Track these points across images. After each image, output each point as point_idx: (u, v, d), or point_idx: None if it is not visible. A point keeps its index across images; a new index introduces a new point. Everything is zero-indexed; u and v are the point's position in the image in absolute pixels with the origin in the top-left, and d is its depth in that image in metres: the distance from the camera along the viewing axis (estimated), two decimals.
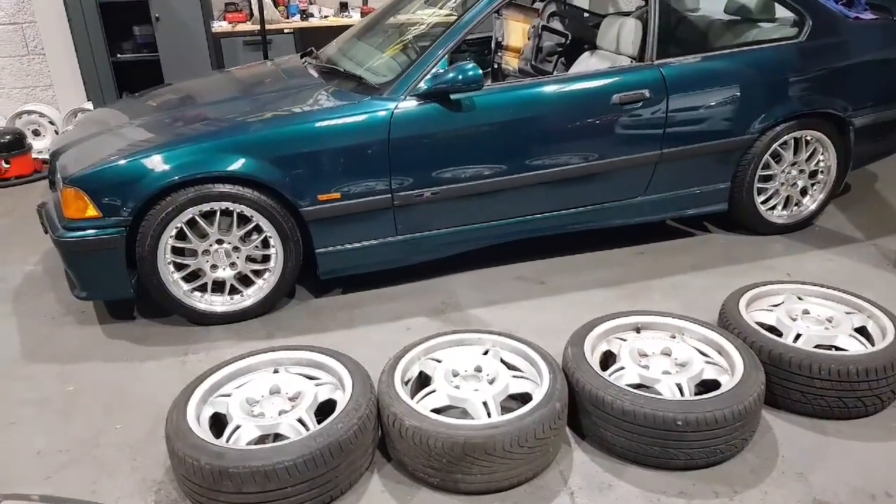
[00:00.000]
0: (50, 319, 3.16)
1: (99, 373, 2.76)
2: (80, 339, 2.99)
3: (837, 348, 2.57)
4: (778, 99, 3.51)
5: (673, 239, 3.82)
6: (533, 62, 4.15)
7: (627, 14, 3.81)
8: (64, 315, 3.18)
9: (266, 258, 3.01)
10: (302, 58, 3.85)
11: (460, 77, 2.95)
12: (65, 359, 2.86)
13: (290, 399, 2.16)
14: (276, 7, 6.00)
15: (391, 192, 3.04)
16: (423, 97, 3.02)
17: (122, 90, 5.46)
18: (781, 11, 3.74)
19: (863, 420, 2.43)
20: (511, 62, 4.30)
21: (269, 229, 2.92)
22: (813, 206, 3.86)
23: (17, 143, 4.79)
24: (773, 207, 3.81)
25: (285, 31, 5.77)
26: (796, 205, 3.85)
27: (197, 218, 2.85)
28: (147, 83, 4.39)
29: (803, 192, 3.84)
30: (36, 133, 5.31)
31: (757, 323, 2.67)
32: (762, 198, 3.75)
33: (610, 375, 2.37)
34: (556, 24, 4.19)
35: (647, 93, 3.28)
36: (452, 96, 3.03)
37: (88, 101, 5.43)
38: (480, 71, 2.97)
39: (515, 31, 4.27)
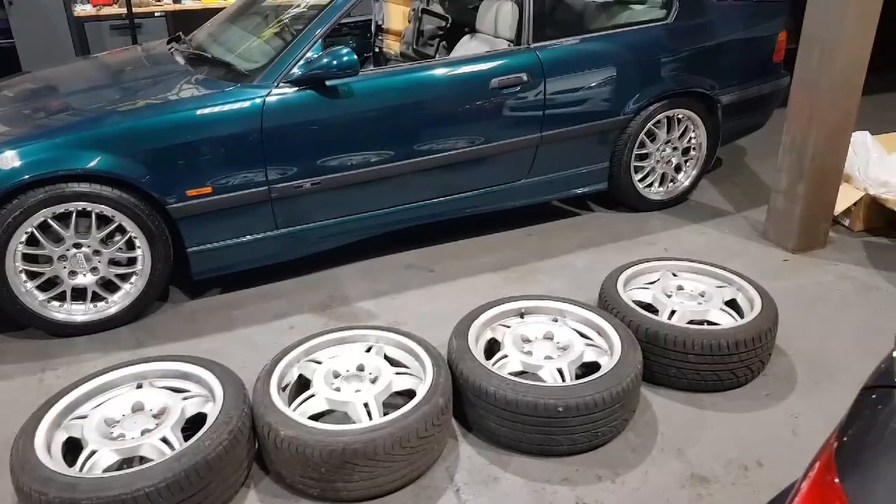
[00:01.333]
0: None
1: None
2: None
3: (710, 322, 2.67)
4: (650, 79, 3.60)
5: (559, 219, 3.87)
6: (414, 46, 4.07)
7: None
8: None
9: (132, 261, 2.81)
10: (168, 43, 3.61)
11: (334, 62, 2.84)
12: None
13: (155, 416, 2.02)
14: None
15: (268, 184, 2.90)
16: (297, 84, 2.89)
17: None
18: None
19: (736, 391, 2.53)
20: (392, 46, 4.21)
21: (133, 230, 2.73)
22: (687, 183, 4.01)
23: None
24: (651, 185, 3.93)
25: (156, 14, 5.42)
26: (672, 181, 3.98)
27: (50, 221, 2.61)
28: (2, 73, 4.01)
29: (678, 168, 3.98)
30: None
31: (634, 301, 2.73)
32: (639, 176, 3.86)
33: (494, 364, 2.36)
34: (437, 7, 4.13)
35: (524, 76, 3.28)
36: (328, 82, 2.92)
37: None
38: (355, 56, 2.87)
39: (396, 15, 4.18)
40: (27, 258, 2.65)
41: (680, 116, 3.82)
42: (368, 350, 2.36)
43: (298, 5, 3.40)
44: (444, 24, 4.04)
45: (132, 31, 5.09)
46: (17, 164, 2.53)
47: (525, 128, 3.38)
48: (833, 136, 3.38)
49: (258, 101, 2.82)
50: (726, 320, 2.66)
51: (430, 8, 4.10)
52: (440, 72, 3.19)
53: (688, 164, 3.99)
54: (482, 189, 3.44)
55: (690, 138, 3.92)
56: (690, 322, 2.65)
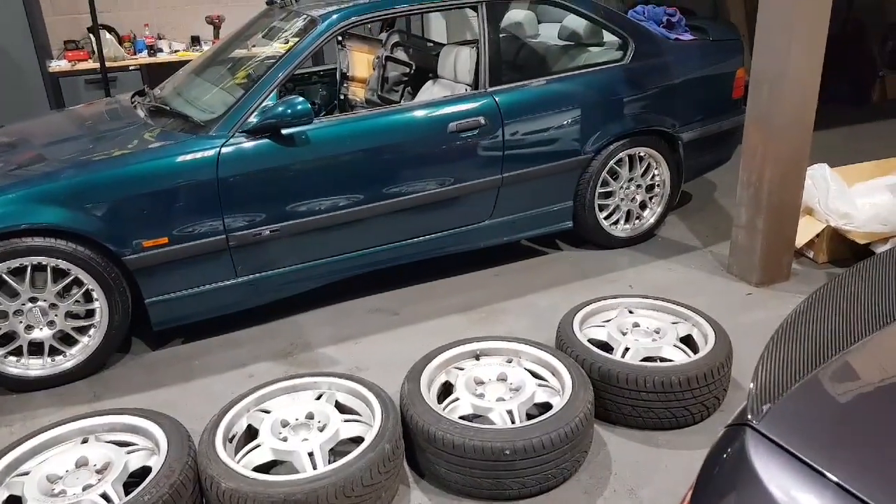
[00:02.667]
0: None
1: None
2: None
3: (664, 359, 2.68)
4: (609, 119, 3.67)
5: (527, 258, 3.90)
6: (379, 92, 4.15)
7: (467, 43, 3.89)
8: None
9: (90, 313, 2.83)
10: (133, 97, 3.68)
11: (289, 111, 2.90)
12: None
13: (98, 471, 2.02)
14: (120, 45, 5.73)
15: (225, 232, 2.94)
16: (253, 133, 2.94)
17: None
18: (609, 36, 3.93)
19: (692, 428, 2.53)
20: (357, 93, 4.29)
21: (89, 282, 2.75)
22: (652, 220, 4.05)
23: None
24: (616, 222, 3.97)
25: (130, 68, 5.52)
26: (637, 218, 4.02)
27: (4, 276, 2.63)
28: None
29: (642, 205, 4.02)
30: None
31: (590, 340, 2.74)
32: (604, 213, 3.90)
33: (445, 408, 2.36)
34: (401, 54, 4.22)
35: (482, 120, 3.34)
36: (284, 131, 2.97)
37: None
38: (309, 105, 2.93)
39: (360, 62, 4.27)
40: None
41: (642, 154, 3.87)
42: (319, 398, 2.37)
43: (259, 56, 3.48)
44: (408, 70, 4.12)
45: (105, 85, 5.19)
46: None
47: (486, 169, 3.43)
48: (787, 171, 3.43)
49: (213, 151, 2.86)
50: (679, 357, 2.67)
51: (394, 55, 4.20)
52: (397, 117, 3.25)
53: (652, 200, 4.04)
54: (446, 231, 3.48)
55: (654, 175, 3.98)
56: (645, 359, 2.66)
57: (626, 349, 2.69)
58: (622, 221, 3.99)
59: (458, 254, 3.61)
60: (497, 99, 3.39)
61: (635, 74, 3.75)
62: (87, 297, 2.79)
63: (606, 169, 3.77)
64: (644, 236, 4.07)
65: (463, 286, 3.63)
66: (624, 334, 2.79)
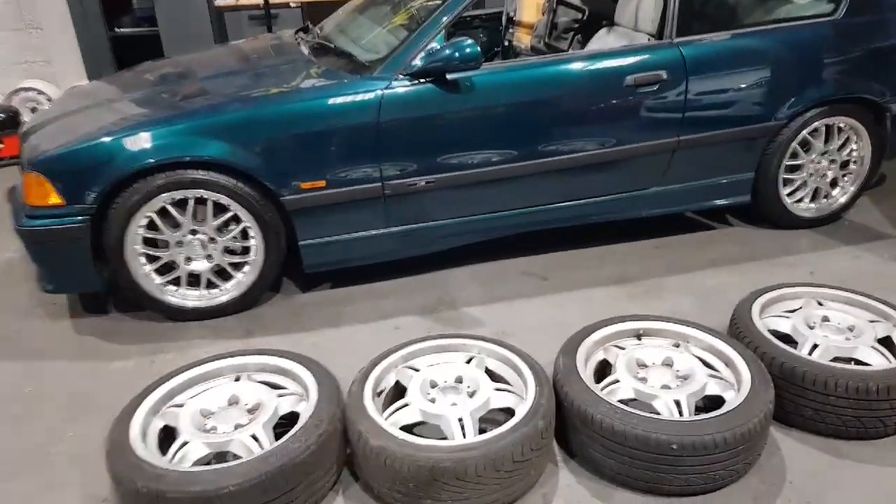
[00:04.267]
0: (20, 312, 3.03)
1: (62, 373, 2.62)
2: (47, 335, 2.85)
3: (858, 361, 2.33)
4: (809, 82, 3.22)
5: (691, 232, 3.57)
6: (546, 39, 3.89)
7: None
8: (35, 307, 3.04)
9: (246, 250, 2.84)
10: (296, 33, 3.65)
11: (457, 54, 2.72)
12: (29, 356, 2.72)
13: (249, 411, 1.99)
14: None
15: (381, 180, 2.84)
16: (417, 76, 2.80)
17: (121, 66, 5.32)
18: None
19: (881, 442, 2.20)
20: (523, 39, 4.04)
21: (247, 219, 2.75)
22: (843, 199, 3.58)
23: (10, 122, 4.67)
24: (800, 200, 3.54)
25: (291, 4, 5.55)
26: (825, 197, 3.57)
27: (168, 207, 2.67)
28: (147, 59, 4.23)
29: (833, 183, 3.56)
30: (34, 111, 5.18)
31: (770, 331, 2.43)
32: (788, 189, 3.48)
33: (603, 389, 2.16)
34: None
35: (663, 74, 3.01)
36: (449, 76, 2.81)
37: (90, 79, 5.31)
38: (478, 48, 2.74)
39: (529, 6, 4.01)
40: (146, 242, 2.73)
41: (841, 125, 3.40)
42: (469, 361, 2.24)
43: None
44: (580, 16, 3.82)
45: (268, 21, 5.24)
46: (135, 150, 2.59)
47: (661, 130, 3.12)
48: None
49: (376, 93, 2.75)
50: (878, 360, 2.31)
51: None
52: (569, 67, 2.99)
53: (846, 178, 3.56)
54: (610, 195, 3.21)
55: (851, 150, 3.49)
56: (835, 359, 2.32)
57: (814, 346, 2.36)
58: (807, 199, 3.54)
59: (616, 221, 3.34)
60: (683, 52, 3.05)
61: (847, 31, 3.26)
62: (244, 234, 2.80)
63: (799, 139, 3.33)
64: (830, 218, 3.61)
65: (619, 256, 3.37)
66: (811, 328, 2.45)
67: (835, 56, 3.24)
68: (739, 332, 2.41)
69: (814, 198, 3.56)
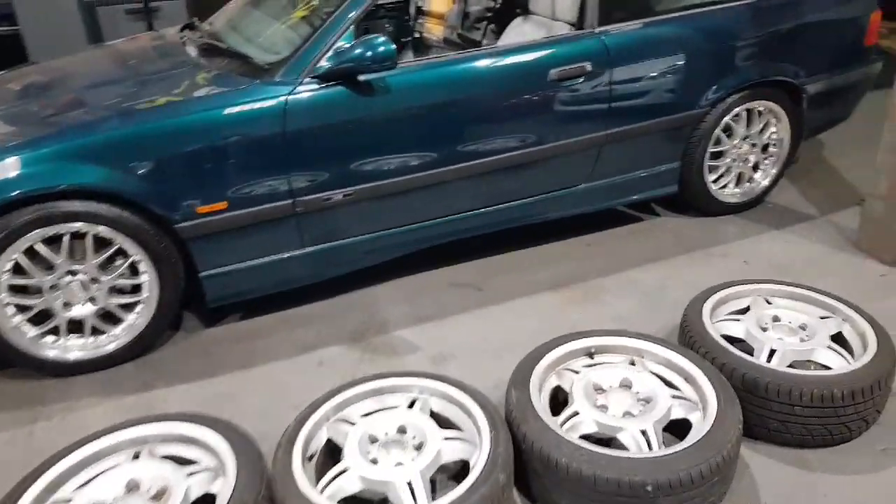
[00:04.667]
0: None
1: None
2: None
3: (816, 364, 2.23)
4: (730, 67, 3.13)
5: (620, 226, 3.43)
6: (460, 30, 3.62)
7: None
8: None
9: (136, 288, 2.44)
10: (182, 31, 3.23)
11: (368, 54, 2.42)
12: None
13: (154, 498, 1.65)
14: None
15: (292, 197, 2.51)
16: (325, 79, 2.48)
17: None
18: None
19: (847, 446, 2.11)
20: (434, 30, 3.77)
21: (136, 252, 2.36)
22: (766, 182, 3.54)
23: None
24: (725, 186, 3.47)
25: None
26: (748, 181, 3.51)
27: (37, 247, 2.25)
28: (8, 63, 3.66)
29: (755, 167, 3.50)
30: None
31: (723, 336, 2.30)
32: (713, 176, 3.40)
33: (563, 424, 1.95)
34: None
35: (588, 66, 2.82)
36: (361, 77, 2.50)
37: None
38: (393, 46, 2.45)
39: None
40: (14, 289, 2.29)
41: (761, 109, 3.33)
42: (412, 405, 1.97)
43: None
44: (493, 4, 3.58)
45: (147, 16, 4.71)
46: (3, 176, 2.16)
47: (587, 125, 2.94)
48: None
49: (280, 100, 2.42)
50: (836, 362, 2.22)
51: None
52: (491, 62, 2.75)
53: (767, 161, 3.51)
54: (538, 196, 3.01)
55: (771, 133, 3.43)
56: (793, 364, 2.21)
57: (772, 351, 2.24)
58: (732, 185, 3.47)
59: (546, 221, 3.15)
60: (606, 41, 2.86)
61: (764, 14, 3.17)
62: (134, 269, 2.40)
63: (722, 125, 3.24)
64: (754, 202, 3.56)
65: (552, 257, 3.18)
66: (765, 330, 2.33)
67: (752, 40, 3.15)
68: (694, 341, 2.26)
69: (738, 183, 3.49)
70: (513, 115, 2.79)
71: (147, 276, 2.41)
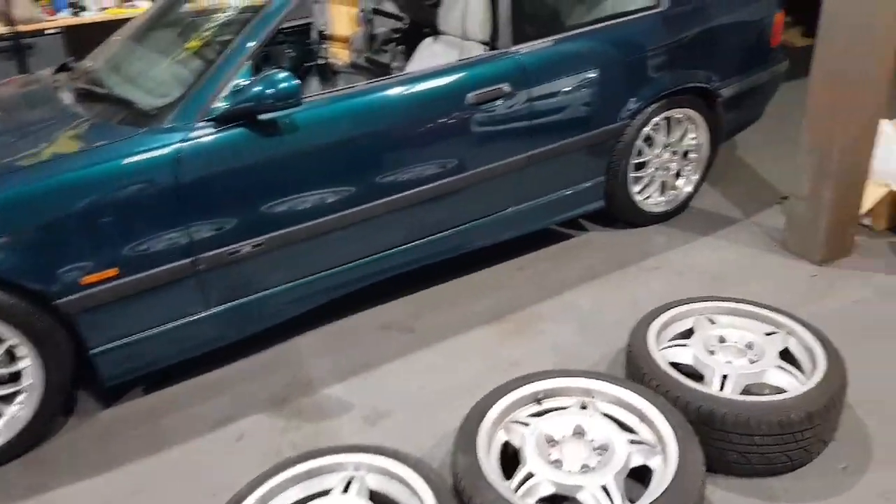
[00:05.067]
0: None
1: None
2: None
3: (769, 387, 2.15)
4: (645, 78, 3.06)
5: (552, 245, 3.30)
6: (367, 53, 3.41)
7: None
8: None
9: (15, 376, 2.11)
10: (55, 74, 2.89)
11: (269, 91, 2.19)
12: None
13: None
14: (35, 1, 4.78)
15: (192, 254, 2.24)
16: (222, 122, 2.23)
17: None
18: None
19: (808, 469, 2.03)
20: (340, 54, 3.53)
21: (11, 336, 2.03)
22: (689, 189, 3.50)
23: None
24: (650, 196, 3.40)
25: (48, 31, 4.58)
26: (672, 189, 3.46)
27: None
28: None
29: (677, 174, 3.46)
30: None
31: (672, 364, 2.18)
32: (638, 187, 3.32)
33: (517, 490, 1.77)
34: (389, 6, 3.47)
35: (506, 87, 2.68)
36: (262, 117, 2.26)
37: None
38: (296, 81, 2.22)
39: (341, 18, 3.51)
40: None
41: (679, 116, 3.28)
42: (347, 487, 1.74)
43: (222, 11, 2.71)
44: (400, 25, 3.39)
45: (18, 55, 4.26)
46: None
47: (510, 147, 2.79)
48: (861, 133, 2.92)
49: (171, 148, 2.15)
50: (788, 382, 2.14)
51: (382, 7, 3.44)
52: (404, 90, 2.55)
53: (688, 168, 3.47)
54: (465, 225, 2.84)
55: (690, 139, 3.39)
56: (746, 388, 2.12)
57: (724, 377, 2.14)
58: (656, 195, 3.41)
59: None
60: (522, 60, 2.73)
61: (673, 22, 3.12)
62: (10, 356, 2.08)
63: (642, 136, 3.17)
64: (680, 209, 3.52)
65: (483, 286, 3.02)
66: (712, 354, 2.23)
67: (665, 49, 3.09)
68: (643, 374, 2.14)
69: (662, 191, 3.44)
70: (431, 143, 2.61)
71: (27, 362, 2.08)
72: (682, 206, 3.53)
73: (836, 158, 2.90)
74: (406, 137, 2.55)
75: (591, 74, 2.90)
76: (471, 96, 2.61)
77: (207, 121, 2.21)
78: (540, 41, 2.79)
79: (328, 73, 3.51)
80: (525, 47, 2.75)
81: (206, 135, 2.20)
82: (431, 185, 2.64)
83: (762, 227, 3.38)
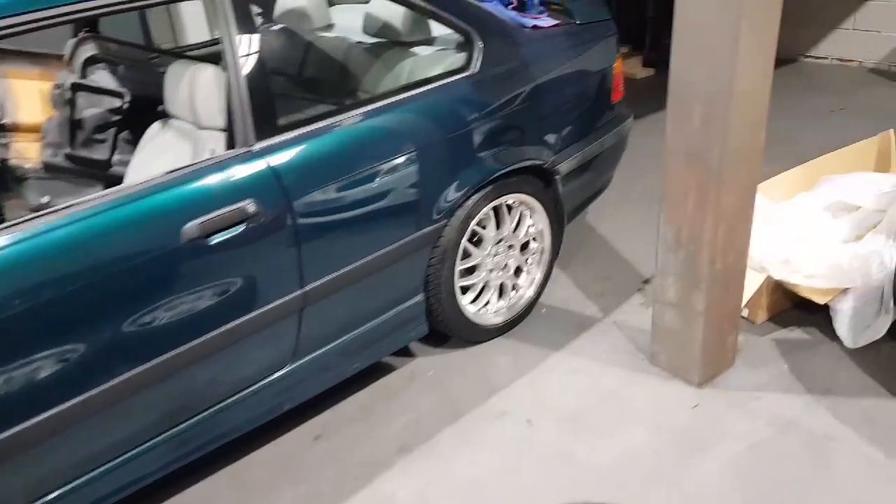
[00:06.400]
0: None
1: None
2: None
3: None
4: (461, 163, 2.32)
5: (363, 388, 2.45)
6: (71, 149, 2.39)
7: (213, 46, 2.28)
8: None
9: None
10: None
11: None
12: None
13: None
14: None
15: None
16: None
17: None
18: (441, 28, 2.51)
19: None
20: (28, 152, 2.46)
21: None
22: (531, 291, 2.79)
23: None
24: (487, 304, 2.65)
25: None
26: (514, 289, 2.72)
27: None
28: None
29: (517, 272, 2.73)
30: None
31: None
32: (469, 297, 2.56)
33: None
34: (103, 77, 2.48)
35: (250, 205, 1.79)
36: None
37: None
38: None
39: (28, 97, 2.45)
40: None
41: (510, 203, 2.55)
42: None
43: None
44: (119, 104, 2.41)
45: None
46: None
47: (273, 288, 1.92)
48: (735, 222, 2.28)
49: None
50: None
51: (91, 79, 2.44)
52: (86, 223, 1.60)
53: (530, 261, 2.75)
54: (222, 403, 1.94)
55: (528, 228, 2.67)
56: None
57: None
58: (494, 300, 2.66)
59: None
60: (273, 164, 1.85)
61: (489, 88, 2.40)
62: None
63: (467, 234, 2.40)
64: (525, 312, 2.79)
65: (266, 471, 2.14)
66: None
67: (484, 122, 2.36)
68: None
69: (500, 295, 2.69)
70: (143, 298, 1.68)
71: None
72: (529, 309, 2.80)
73: (707, 258, 2.25)
74: (104, 294, 1.61)
75: (383, 170, 2.09)
76: (192, 227, 1.69)
77: None
78: (300, 130, 1.92)
79: (13, 182, 2.41)
80: (277, 142, 1.87)
81: None
82: (161, 358, 1.71)
83: (624, 331, 2.72)
